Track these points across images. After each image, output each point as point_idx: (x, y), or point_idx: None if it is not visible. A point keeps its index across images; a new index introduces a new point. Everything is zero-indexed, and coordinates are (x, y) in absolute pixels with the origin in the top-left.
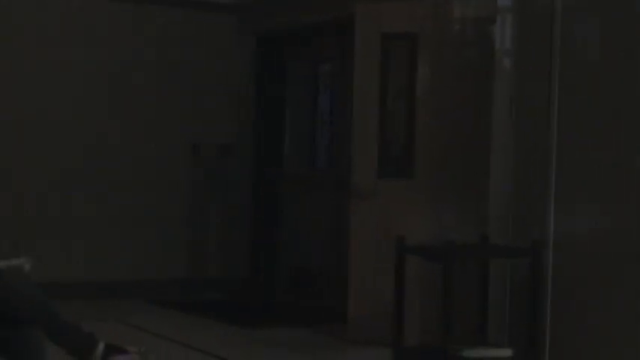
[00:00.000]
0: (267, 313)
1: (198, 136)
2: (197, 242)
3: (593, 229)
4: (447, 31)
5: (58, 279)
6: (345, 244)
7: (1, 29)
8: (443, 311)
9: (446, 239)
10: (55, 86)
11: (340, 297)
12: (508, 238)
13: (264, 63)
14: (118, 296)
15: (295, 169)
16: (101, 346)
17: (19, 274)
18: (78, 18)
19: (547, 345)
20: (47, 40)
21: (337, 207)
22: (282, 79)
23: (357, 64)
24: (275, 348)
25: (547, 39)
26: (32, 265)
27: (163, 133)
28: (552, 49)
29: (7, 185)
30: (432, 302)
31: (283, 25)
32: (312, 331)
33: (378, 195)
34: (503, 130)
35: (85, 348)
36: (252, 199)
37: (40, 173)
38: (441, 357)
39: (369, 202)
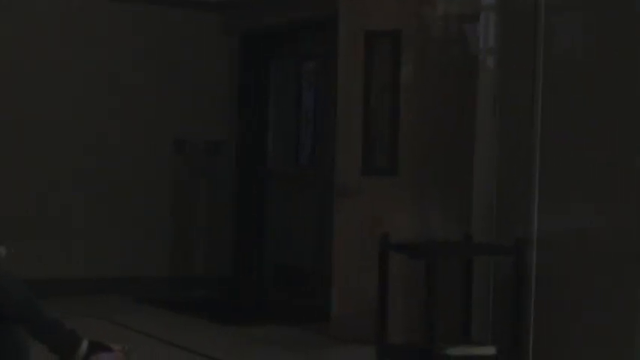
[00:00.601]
0: (254, 311)
1: (183, 133)
2: (183, 240)
3: (577, 228)
4: (431, 28)
5: (44, 276)
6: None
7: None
8: (426, 309)
9: (430, 237)
10: (50, 85)
11: (328, 295)
12: (492, 237)
13: (248, 60)
14: (105, 293)
15: (281, 167)
16: (85, 344)
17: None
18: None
19: (531, 343)
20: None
21: (323, 205)
22: (266, 77)
23: (341, 62)
24: (260, 346)
25: (530, 37)
26: (9, 252)
27: (148, 130)
28: (536, 47)
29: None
30: (415, 300)
31: (268, 22)
32: (299, 329)
33: (362, 193)
34: (487, 128)
35: (68, 345)
36: (238, 196)
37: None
38: (424, 355)
39: (353, 200)
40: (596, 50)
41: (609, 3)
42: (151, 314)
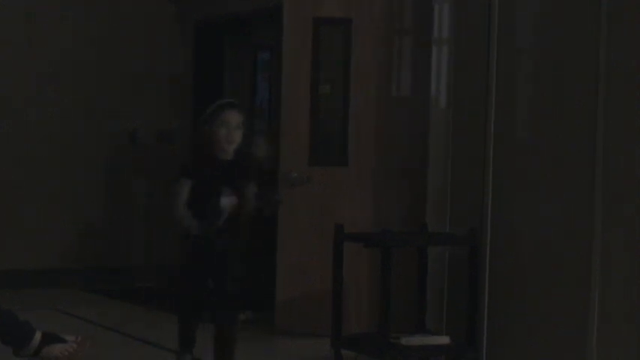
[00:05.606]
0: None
1: (135, 122)
2: (130, 229)
3: (531, 218)
4: (383, 16)
5: None
6: None
7: None
8: (381, 299)
9: (384, 227)
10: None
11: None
12: (446, 227)
13: (203, 50)
14: (52, 284)
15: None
16: (38, 335)
17: None
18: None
19: (485, 332)
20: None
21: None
22: (221, 67)
23: (286, 50)
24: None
25: (485, 26)
26: None
27: (101, 118)
28: (490, 37)
29: None
30: (369, 290)
31: (222, 11)
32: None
33: (309, 183)
34: (441, 117)
35: (21, 337)
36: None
37: None
38: (379, 345)
39: (300, 189)
40: (550, 40)
41: None
42: (102, 304)
